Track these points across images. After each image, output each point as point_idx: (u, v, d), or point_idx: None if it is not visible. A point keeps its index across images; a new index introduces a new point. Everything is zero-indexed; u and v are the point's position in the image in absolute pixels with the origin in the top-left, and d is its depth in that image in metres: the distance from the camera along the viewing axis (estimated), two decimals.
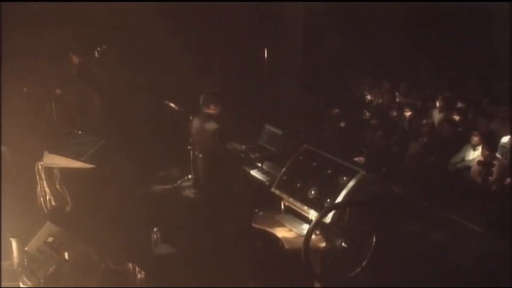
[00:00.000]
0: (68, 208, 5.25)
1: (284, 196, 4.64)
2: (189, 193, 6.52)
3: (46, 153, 5.11)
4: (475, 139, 6.43)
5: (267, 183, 5.09)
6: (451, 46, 9.27)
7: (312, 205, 4.36)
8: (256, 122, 6.84)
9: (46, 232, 4.44)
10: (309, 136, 6.96)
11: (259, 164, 5.50)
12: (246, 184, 5.62)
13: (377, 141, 7.36)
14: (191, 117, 5.46)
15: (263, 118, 7.05)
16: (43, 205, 5.25)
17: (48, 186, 5.17)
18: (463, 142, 6.65)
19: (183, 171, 6.86)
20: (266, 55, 9.17)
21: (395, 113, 7.88)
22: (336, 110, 8.07)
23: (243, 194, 5.86)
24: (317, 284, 4.18)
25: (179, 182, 6.72)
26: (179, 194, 6.50)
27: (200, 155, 4.68)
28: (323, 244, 4.23)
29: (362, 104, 9.13)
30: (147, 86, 9.04)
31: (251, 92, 9.39)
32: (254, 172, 5.42)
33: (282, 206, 4.75)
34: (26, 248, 4.37)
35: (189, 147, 6.19)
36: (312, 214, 4.31)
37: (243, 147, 5.82)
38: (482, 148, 6.12)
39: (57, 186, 5.21)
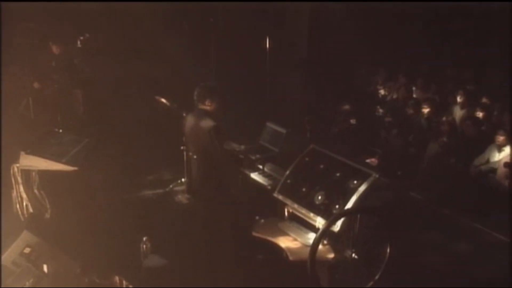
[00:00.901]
0: (48, 215, 5.26)
1: (288, 201, 4.65)
2: (182, 198, 6.53)
3: (22, 154, 5.12)
4: (501, 138, 6.43)
5: (269, 187, 5.10)
6: (475, 35, 9.28)
7: (319, 211, 4.37)
8: (257, 120, 6.85)
9: (22, 243, 4.45)
10: (316, 135, 6.98)
11: (260, 166, 5.51)
12: (246, 189, 5.63)
13: (391, 140, 7.37)
14: (184, 114, 5.46)
15: (265, 115, 7.08)
16: (20, 212, 5.27)
17: (25, 191, 5.18)
18: (488, 142, 6.65)
19: (175, 174, 6.87)
20: (268, 45, 9.18)
21: (411, 110, 7.88)
22: (346, 106, 8.08)
23: (242, 200, 5.86)
24: None
25: (171, 186, 6.74)
26: (171, 199, 6.51)
27: (195, 156, 4.68)
28: (331, 255, 4.23)
29: (375, 99, 9.14)
30: (136, 80, 9.07)
31: (251, 86, 9.41)
32: (254, 175, 5.43)
33: (286, 213, 4.76)
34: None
35: (182, 148, 6.20)
36: (319, 222, 4.32)
37: (243, 147, 5.83)
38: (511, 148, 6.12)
39: (35, 191, 5.22)
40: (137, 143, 7.61)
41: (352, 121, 7.77)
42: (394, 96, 9.02)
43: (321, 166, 4.67)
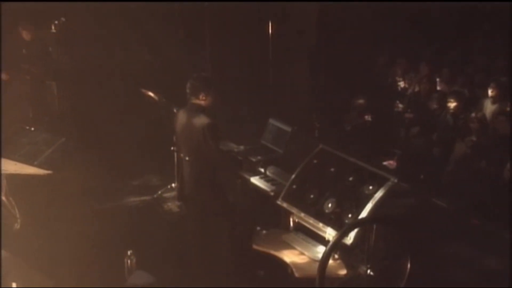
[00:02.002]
0: (17, 226, 5.28)
1: (294, 210, 4.66)
2: (172, 206, 6.55)
3: None
4: None
5: (272, 193, 5.11)
6: (510, 18, 9.24)
7: (329, 221, 4.38)
8: (258, 116, 6.86)
9: None
10: (325, 133, 7.00)
11: (262, 170, 5.52)
12: (245, 195, 5.63)
13: (412, 140, 7.38)
14: (175, 110, 5.47)
15: (267, 111, 7.09)
16: None
17: None
18: None
19: (165, 178, 6.89)
20: (270, 31, 9.20)
21: (435, 105, 7.89)
22: (361, 101, 8.10)
23: (241, 208, 5.87)
24: None
25: (159, 192, 6.76)
26: (159, 207, 6.53)
27: (187, 158, 4.70)
28: (343, 272, 4.24)
29: (394, 93, 9.15)
30: (119, 70, 9.08)
31: (251, 78, 9.41)
32: (255, 180, 5.44)
33: (291, 223, 4.77)
34: None
35: (172, 148, 6.21)
36: (330, 233, 4.33)
37: (242, 147, 5.85)
38: None
39: (3, 198, 5.24)
40: (121, 143, 7.63)
41: (367, 117, 7.79)
42: (416, 89, 9.03)
43: (332, 170, 4.68)
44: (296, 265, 4.35)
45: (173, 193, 6.63)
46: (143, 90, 6.26)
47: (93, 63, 8.75)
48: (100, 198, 6.35)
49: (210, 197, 4.57)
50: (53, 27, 9.33)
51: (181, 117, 4.70)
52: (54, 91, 8.54)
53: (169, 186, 6.73)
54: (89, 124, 7.98)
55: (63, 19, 9.29)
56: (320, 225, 4.42)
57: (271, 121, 5.90)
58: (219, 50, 9.62)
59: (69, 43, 9.04)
